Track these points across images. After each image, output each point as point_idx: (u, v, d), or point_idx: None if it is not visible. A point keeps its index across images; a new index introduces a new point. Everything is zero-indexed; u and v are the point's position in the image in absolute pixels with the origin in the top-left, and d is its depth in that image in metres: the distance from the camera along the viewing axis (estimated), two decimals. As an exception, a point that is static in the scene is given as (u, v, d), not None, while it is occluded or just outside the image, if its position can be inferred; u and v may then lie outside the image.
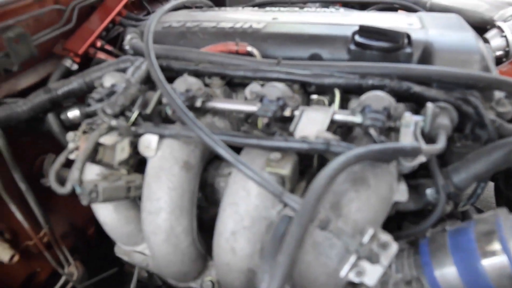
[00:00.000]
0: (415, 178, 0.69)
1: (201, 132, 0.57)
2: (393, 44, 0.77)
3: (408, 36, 0.80)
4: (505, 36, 1.18)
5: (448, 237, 0.60)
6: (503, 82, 0.71)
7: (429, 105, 0.62)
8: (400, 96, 0.72)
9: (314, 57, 0.82)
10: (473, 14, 1.30)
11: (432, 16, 0.96)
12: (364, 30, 0.80)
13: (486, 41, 1.21)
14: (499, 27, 1.19)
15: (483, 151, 0.64)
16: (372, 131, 0.59)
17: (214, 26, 0.92)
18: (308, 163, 0.68)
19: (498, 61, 1.24)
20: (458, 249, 0.57)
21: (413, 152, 0.55)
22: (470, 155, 0.65)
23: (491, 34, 1.21)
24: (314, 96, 0.78)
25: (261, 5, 1.25)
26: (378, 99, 0.62)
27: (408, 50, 0.77)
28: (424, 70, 0.70)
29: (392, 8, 1.35)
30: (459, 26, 0.88)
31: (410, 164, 0.59)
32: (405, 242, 0.65)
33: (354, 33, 0.81)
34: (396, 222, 0.74)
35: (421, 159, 0.59)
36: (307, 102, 0.79)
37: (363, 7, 1.38)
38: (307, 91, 0.78)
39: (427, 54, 0.77)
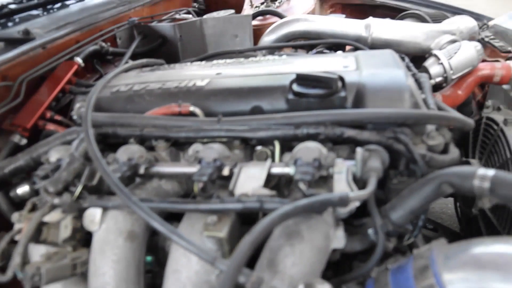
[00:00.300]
0: (362, 216, 0.71)
1: (134, 205, 0.58)
2: (327, 90, 0.81)
3: (342, 80, 0.84)
4: (441, 63, 1.24)
5: (390, 276, 0.61)
6: (430, 116, 0.76)
7: (358, 150, 0.66)
8: (336, 141, 0.75)
9: (255, 110, 0.85)
10: (412, 45, 1.38)
11: (368, 55, 1.01)
12: (300, 78, 0.84)
13: (425, 69, 1.27)
14: (435, 55, 1.26)
15: (415, 186, 0.67)
16: (301, 185, 0.61)
17: (160, 87, 0.94)
18: (255, 216, 0.70)
19: (439, 86, 1.30)
20: (399, 287, 0.59)
21: (341, 202, 0.57)
22: (404, 191, 0.68)
23: (429, 62, 1.28)
24: (259, 147, 0.80)
25: (210, 58, 1.29)
26: (308, 151, 0.65)
27: (342, 94, 0.81)
28: (355, 114, 0.74)
29: (340, 45, 1.42)
30: (391, 63, 0.92)
31: (345, 210, 0.62)
32: (355, 284, 0.67)
33: (291, 82, 0.85)
34: (349, 262, 0.76)
35: (355, 204, 0.62)
36: (252, 154, 0.81)
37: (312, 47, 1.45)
38: (251, 144, 0.81)
39: (360, 96, 0.81)
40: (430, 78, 1.25)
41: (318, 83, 0.82)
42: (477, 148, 1.43)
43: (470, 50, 1.26)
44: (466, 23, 1.50)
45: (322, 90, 0.81)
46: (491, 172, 0.61)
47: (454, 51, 1.26)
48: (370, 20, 1.36)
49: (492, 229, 1.21)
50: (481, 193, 0.61)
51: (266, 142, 0.77)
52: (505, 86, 1.33)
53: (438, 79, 1.26)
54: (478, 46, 1.27)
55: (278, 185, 0.74)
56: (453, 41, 1.33)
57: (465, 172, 0.62)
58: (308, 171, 0.62)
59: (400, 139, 0.71)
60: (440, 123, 0.77)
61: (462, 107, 1.56)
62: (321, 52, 1.46)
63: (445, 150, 0.80)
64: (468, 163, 1.41)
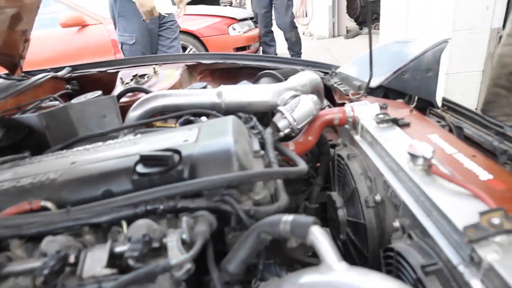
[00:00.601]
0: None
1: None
2: (166, 167, 0.92)
3: (179, 154, 0.95)
4: (286, 117, 1.43)
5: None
6: (251, 176, 0.90)
7: (183, 219, 0.77)
8: (176, 211, 0.86)
9: (106, 194, 0.93)
10: (262, 104, 1.57)
11: (210, 124, 1.15)
12: (142, 159, 0.94)
13: (275, 124, 1.45)
14: (280, 111, 1.45)
15: (242, 238, 0.79)
16: (129, 261, 0.70)
17: (14, 186, 0.98)
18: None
19: (290, 136, 1.48)
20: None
21: (164, 270, 0.67)
22: (236, 244, 0.80)
23: (276, 117, 1.46)
24: (113, 228, 0.87)
25: (73, 144, 1.35)
26: (137, 228, 0.75)
27: (179, 168, 0.92)
28: (184, 186, 0.85)
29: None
30: (225, 131, 1.05)
31: (180, 273, 0.71)
32: None
33: (135, 164, 0.95)
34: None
35: (187, 266, 0.71)
36: (107, 234, 0.88)
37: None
38: (103, 226, 0.88)
39: (194, 167, 0.93)
40: (280, 131, 1.44)
41: (158, 161, 0.92)
42: (336, 181, 1.64)
43: (308, 103, 1.47)
44: (308, 76, 1.74)
45: (161, 168, 0.91)
46: (290, 217, 0.75)
47: (295, 105, 1.46)
48: (221, 87, 1.53)
49: (358, 251, 1.38)
50: (287, 236, 0.75)
51: (115, 223, 0.85)
52: (347, 126, 1.56)
53: (287, 131, 1.44)
54: (314, 98, 1.49)
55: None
56: (295, 96, 1.54)
57: (273, 221, 0.76)
58: (136, 247, 0.71)
59: (225, 201, 0.84)
60: (262, 179, 0.91)
61: (320, 147, 1.77)
62: (188, 120, 1.60)
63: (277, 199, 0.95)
64: (330, 196, 1.60)
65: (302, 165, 1.12)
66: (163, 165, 0.91)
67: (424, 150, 1.01)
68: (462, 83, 3.52)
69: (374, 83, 1.80)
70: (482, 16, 3.29)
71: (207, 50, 6.51)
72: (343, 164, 1.46)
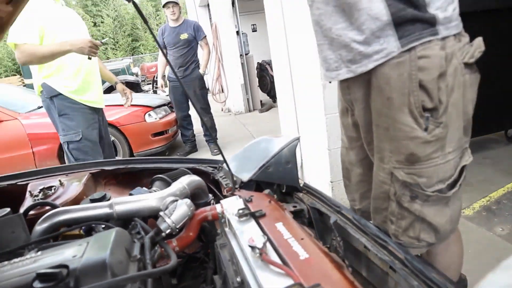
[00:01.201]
0: None
1: None
2: (56, 281, 1.24)
3: (68, 268, 1.28)
4: (165, 221, 1.81)
5: None
6: (116, 282, 1.23)
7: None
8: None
9: (2, 311, 1.22)
10: (148, 209, 1.92)
11: (96, 238, 1.48)
12: (39, 276, 1.26)
13: (158, 227, 1.82)
14: (161, 216, 1.83)
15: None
16: None
17: None
18: None
19: (172, 234, 1.84)
20: None
21: None
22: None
23: (159, 221, 1.82)
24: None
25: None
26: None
27: (66, 280, 1.25)
28: None
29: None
30: (106, 245, 1.37)
31: None
32: None
33: (32, 281, 1.26)
34: None
35: None
36: None
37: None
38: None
39: (78, 278, 1.25)
40: (162, 232, 1.80)
41: (50, 277, 1.25)
42: (217, 265, 2.00)
43: (183, 206, 1.84)
44: (187, 181, 2.14)
45: (54, 282, 1.24)
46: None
47: (173, 209, 1.84)
48: (112, 200, 1.88)
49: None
50: None
51: None
52: (222, 220, 1.95)
53: (168, 231, 1.78)
54: (188, 201, 1.87)
55: None
56: (174, 201, 1.93)
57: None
58: None
59: None
60: (128, 282, 1.27)
61: (207, 236, 2.16)
62: (89, 228, 1.92)
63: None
64: (213, 279, 1.96)
65: (172, 262, 1.49)
66: (55, 280, 1.24)
67: (258, 242, 1.42)
68: (343, 156, 4.15)
69: (245, 178, 2.26)
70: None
71: (126, 138, 6.84)
72: (217, 252, 1.84)
